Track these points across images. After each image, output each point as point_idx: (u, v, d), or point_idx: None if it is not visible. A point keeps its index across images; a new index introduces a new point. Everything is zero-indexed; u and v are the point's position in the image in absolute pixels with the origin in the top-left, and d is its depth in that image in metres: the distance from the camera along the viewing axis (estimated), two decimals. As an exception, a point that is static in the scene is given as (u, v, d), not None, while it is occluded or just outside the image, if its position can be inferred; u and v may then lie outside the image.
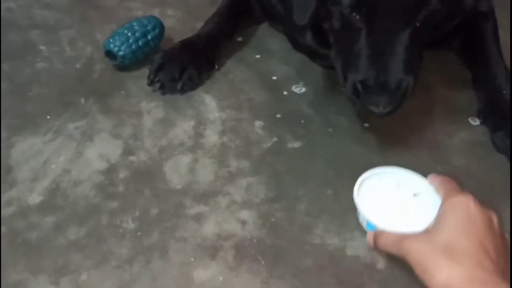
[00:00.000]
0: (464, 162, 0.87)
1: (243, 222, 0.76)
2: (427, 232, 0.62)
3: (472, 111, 0.97)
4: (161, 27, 1.03)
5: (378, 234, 0.67)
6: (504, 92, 0.94)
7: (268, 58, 1.06)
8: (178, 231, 0.74)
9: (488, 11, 1.07)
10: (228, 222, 0.75)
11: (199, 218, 0.76)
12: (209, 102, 0.95)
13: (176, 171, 0.82)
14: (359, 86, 0.77)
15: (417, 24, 0.75)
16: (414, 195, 0.71)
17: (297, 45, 1.05)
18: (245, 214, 0.77)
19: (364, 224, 0.72)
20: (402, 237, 0.63)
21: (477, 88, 0.99)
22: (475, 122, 0.95)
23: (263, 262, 0.71)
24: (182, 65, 0.95)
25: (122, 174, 0.81)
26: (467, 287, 0.54)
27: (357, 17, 0.76)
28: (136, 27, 0.99)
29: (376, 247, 0.68)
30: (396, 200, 0.71)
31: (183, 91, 0.95)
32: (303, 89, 0.99)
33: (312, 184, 0.82)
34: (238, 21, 1.08)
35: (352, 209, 0.76)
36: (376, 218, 0.68)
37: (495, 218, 0.62)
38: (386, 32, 0.75)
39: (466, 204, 0.61)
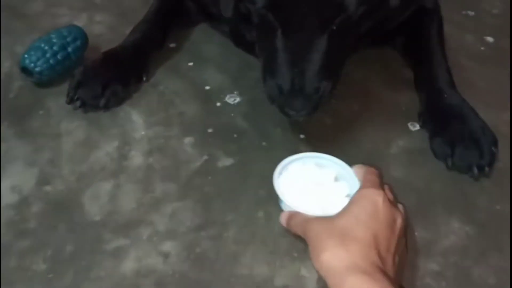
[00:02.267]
0: (403, 172, 0.84)
1: (166, 255, 0.71)
2: (331, 217, 0.64)
3: (413, 114, 0.93)
4: (84, 37, 0.96)
5: (291, 214, 0.70)
6: (446, 95, 0.90)
7: (202, 65, 1.00)
8: (94, 270, 0.68)
9: (433, 7, 1.03)
10: (150, 256, 0.70)
11: (118, 254, 0.70)
12: (135, 119, 0.89)
13: (95, 201, 0.76)
14: (275, 88, 0.74)
15: (334, 28, 0.72)
16: (335, 179, 0.73)
17: (243, 43, 0.99)
18: (168, 246, 0.72)
19: (281, 205, 0.73)
20: (308, 219, 0.66)
21: (418, 89, 0.95)
22: (415, 127, 0.91)
23: (184, 300, 0.66)
24: (105, 80, 0.89)
25: (35, 208, 0.75)
26: (346, 271, 0.56)
27: (272, 17, 0.73)
28: (54, 40, 0.92)
29: (288, 227, 0.71)
30: (315, 183, 0.72)
31: (107, 107, 0.89)
32: (238, 99, 0.94)
33: (242, 207, 0.77)
34: (169, 26, 1.01)
35: (284, 233, 0.72)
36: (291, 200, 0.70)
37: (399, 219, 0.64)
38: (301, 35, 0.72)
39: (375, 198, 0.63)
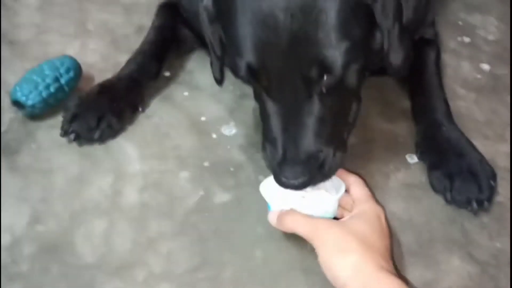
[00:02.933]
0: (402, 208, 0.83)
1: (162, 299, 0.69)
2: (343, 222, 0.71)
3: (411, 146, 0.92)
4: (77, 68, 0.94)
5: (285, 213, 0.72)
6: (443, 127, 0.89)
7: (197, 95, 0.99)
8: (88, 316, 0.67)
9: (433, 38, 1.02)
10: (145, 300, 0.69)
11: (112, 298, 0.69)
12: (130, 152, 0.88)
13: (88, 241, 0.75)
14: (270, 156, 0.72)
15: (323, 90, 0.67)
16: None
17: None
18: (164, 288, 0.70)
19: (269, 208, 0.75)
20: (317, 220, 0.70)
21: (416, 120, 0.95)
22: (413, 159, 0.90)
23: None
24: (100, 113, 0.87)
25: (27, 249, 0.73)
26: (378, 271, 0.63)
27: (258, 84, 0.70)
28: (46, 71, 0.90)
29: (279, 226, 0.73)
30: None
31: (101, 140, 0.87)
32: (234, 131, 0.93)
33: (239, 246, 0.76)
34: (165, 56, 1.00)
35: (282, 272, 0.71)
36: (281, 201, 0.73)
37: None
38: (288, 100, 0.68)
39: (380, 214, 0.73)
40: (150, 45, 0.99)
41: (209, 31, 0.76)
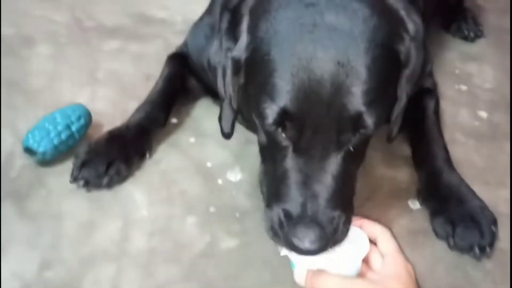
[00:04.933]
0: (407, 254, 0.83)
1: None
2: (379, 282, 0.68)
3: (413, 191, 0.94)
4: (88, 116, 0.97)
5: (316, 273, 0.68)
6: (444, 174, 0.91)
7: (203, 141, 1.02)
8: None
9: (432, 87, 1.06)
10: None
11: None
12: (138, 198, 0.89)
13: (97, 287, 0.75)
14: (282, 215, 0.68)
15: (351, 149, 0.68)
16: None
17: (245, 120, 1.00)
18: (172, 336, 0.70)
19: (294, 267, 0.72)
20: (350, 280, 0.67)
21: (417, 168, 0.97)
22: (415, 205, 0.92)
23: None
24: (109, 159, 0.89)
25: (36, 296, 0.73)
26: None
27: (283, 134, 0.69)
28: (58, 119, 0.93)
29: (309, 286, 0.69)
30: None
31: (109, 186, 0.89)
32: (239, 176, 0.95)
33: (247, 291, 0.76)
34: (172, 105, 1.03)
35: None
36: (305, 259, 0.69)
37: None
38: (315, 154, 0.67)
39: (411, 272, 0.72)
40: (158, 94, 1.02)
41: (231, 83, 0.75)
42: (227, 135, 0.84)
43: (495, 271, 0.82)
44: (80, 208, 0.86)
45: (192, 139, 1.02)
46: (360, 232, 0.74)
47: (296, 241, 0.66)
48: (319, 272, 0.69)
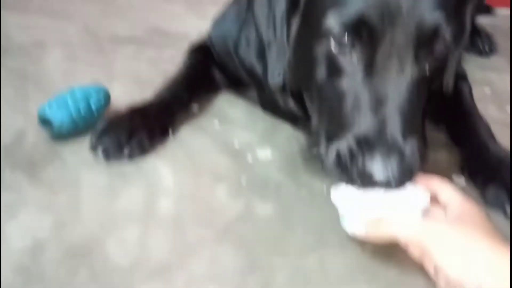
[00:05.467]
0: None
1: (209, 301, 0.59)
2: (455, 223, 0.59)
3: (455, 170, 0.88)
4: (107, 96, 0.91)
5: (380, 219, 0.59)
6: (491, 146, 0.86)
7: (228, 125, 0.96)
8: (123, 319, 0.56)
9: (463, 73, 1.03)
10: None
11: (151, 301, 0.59)
12: (162, 169, 0.82)
13: (121, 246, 0.66)
14: (353, 144, 0.62)
15: (427, 72, 0.64)
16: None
17: (271, 107, 0.95)
18: (211, 291, 0.60)
19: (346, 220, 0.63)
20: (422, 221, 0.59)
21: (459, 144, 0.91)
22: (461, 182, 0.85)
23: None
24: (131, 129, 0.83)
25: (51, 253, 0.63)
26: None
27: (353, 54, 0.63)
28: (78, 94, 0.87)
29: (372, 234, 0.61)
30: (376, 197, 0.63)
31: (130, 157, 0.81)
32: (269, 154, 0.88)
33: (290, 252, 0.68)
34: (194, 89, 0.99)
35: (343, 279, 0.62)
36: (360, 209, 0.60)
37: None
38: (390, 74, 0.61)
39: (486, 216, 0.61)
40: (181, 76, 0.98)
41: (283, 18, 0.70)
42: (276, 83, 0.76)
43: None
44: (99, 177, 0.78)
45: (216, 123, 0.96)
46: (416, 187, 0.65)
47: (374, 171, 0.59)
48: (381, 217, 0.61)
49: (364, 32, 0.62)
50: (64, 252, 0.64)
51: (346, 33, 0.62)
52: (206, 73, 1.03)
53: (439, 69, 0.68)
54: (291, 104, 0.89)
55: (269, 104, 0.96)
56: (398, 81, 0.62)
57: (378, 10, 0.61)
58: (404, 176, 0.61)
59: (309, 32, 0.68)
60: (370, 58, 0.63)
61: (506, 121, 1.07)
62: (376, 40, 0.62)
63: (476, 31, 1.43)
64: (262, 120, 0.98)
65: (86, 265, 0.62)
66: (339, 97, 0.65)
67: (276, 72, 0.75)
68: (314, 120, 0.73)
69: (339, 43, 0.64)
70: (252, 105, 1.01)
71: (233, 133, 0.93)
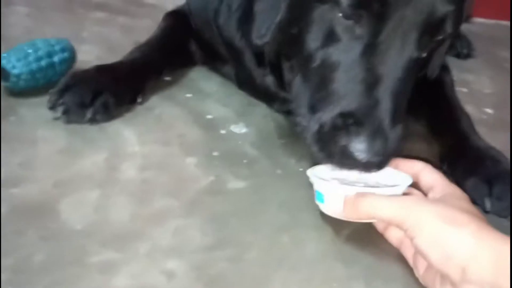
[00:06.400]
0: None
1: (170, 274, 0.53)
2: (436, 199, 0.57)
3: (433, 161, 0.84)
4: (72, 52, 0.85)
5: (360, 196, 0.55)
6: (471, 137, 0.83)
7: (201, 98, 0.90)
8: (73, 285, 0.50)
9: (445, 65, 1.01)
10: (149, 272, 0.53)
11: (106, 269, 0.52)
12: (128, 135, 0.75)
13: (76, 209, 0.59)
14: (338, 119, 0.58)
15: (423, 54, 0.62)
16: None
17: (248, 85, 0.90)
18: (172, 264, 0.55)
19: (321, 200, 0.59)
20: (403, 198, 0.55)
21: (438, 135, 0.88)
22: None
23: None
24: (97, 88, 0.76)
25: (-5, 210, 0.57)
26: (503, 238, 0.50)
27: (358, 23, 0.60)
28: (39, 45, 0.80)
29: (351, 213, 0.56)
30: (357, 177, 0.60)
31: (93, 120, 0.75)
32: (244, 129, 0.83)
33: (263, 228, 0.62)
34: (168, 54, 0.92)
35: (318, 259, 0.58)
36: (338, 188, 0.57)
37: None
38: (390, 54, 0.59)
39: (467, 199, 0.58)
40: (156, 40, 0.92)
41: None
42: (261, 40, 0.70)
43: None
44: (58, 136, 0.72)
45: (188, 95, 0.90)
46: (398, 171, 0.62)
47: (356, 151, 0.56)
48: (361, 194, 0.56)
49: (375, 4, 0.58)
50: (11, 211, 0.57)
51: (356, 2, 0.58)
52: (181, 41, 0.97)
53: (429, 58, 0.67)
54: (269, 81, 0.84)
55: (245, 81, 0.91)
56: (396, 62, 0.59)
57: None
58: (383, 162, 0.59)
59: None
60: (374, 33, 0.59)
61: (483, 120, 1.06)
62: (385, 15, 0.58)
63: (457, 35, 1.42)
64: (237, 96, 0.92)
65: (35, 225, 0.56)
66: (332, 67, 0.61)
67: (263, 29, 0.69)
68: (294, 91, 0.69)
69: (345, 11, 0.59)
70: (228, 82, 0.96)
71: (207, 106, 0.87)
